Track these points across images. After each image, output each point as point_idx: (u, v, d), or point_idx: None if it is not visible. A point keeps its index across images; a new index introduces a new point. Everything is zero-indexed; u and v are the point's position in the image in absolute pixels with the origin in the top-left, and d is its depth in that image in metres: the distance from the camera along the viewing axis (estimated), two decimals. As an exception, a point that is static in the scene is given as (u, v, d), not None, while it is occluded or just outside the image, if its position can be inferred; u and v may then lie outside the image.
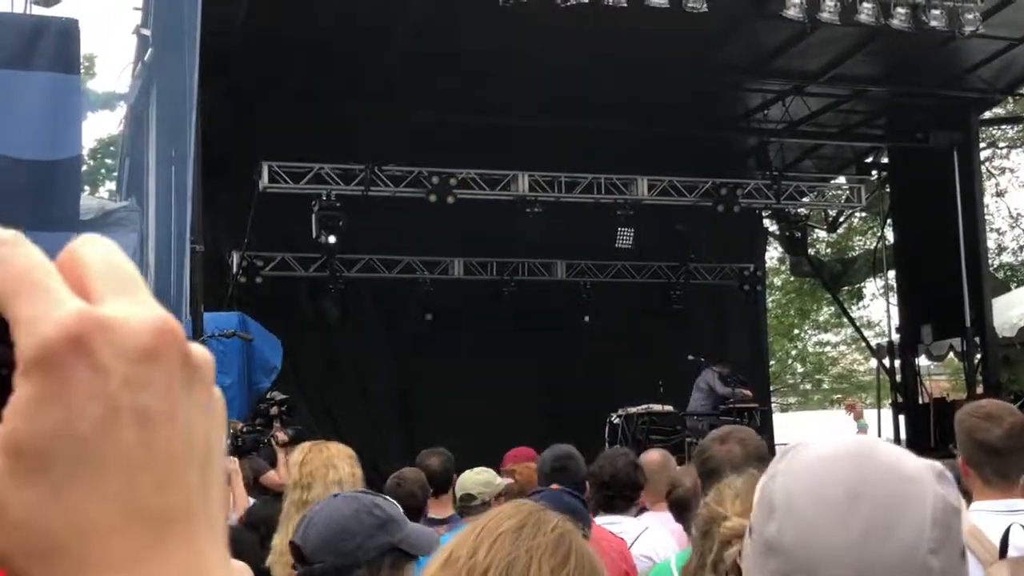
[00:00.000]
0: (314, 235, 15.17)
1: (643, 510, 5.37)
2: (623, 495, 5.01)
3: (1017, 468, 3.37)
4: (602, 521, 4.90)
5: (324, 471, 4.21)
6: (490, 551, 1.45)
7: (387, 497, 2.90)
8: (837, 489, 1.10)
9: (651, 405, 14.73)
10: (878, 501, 1.09)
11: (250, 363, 11.82)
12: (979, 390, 16.01)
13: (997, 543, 3.10)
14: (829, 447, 1.16)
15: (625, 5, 11.94)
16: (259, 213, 15.26)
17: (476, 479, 5.38)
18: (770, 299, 28.97)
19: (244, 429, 9.50)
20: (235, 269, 16.47)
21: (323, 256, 16.78)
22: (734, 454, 3.47)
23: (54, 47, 9.93)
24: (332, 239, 15.19)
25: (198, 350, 0.53)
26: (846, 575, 1.07)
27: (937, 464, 1.16)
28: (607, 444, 13.50)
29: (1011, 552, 3.07)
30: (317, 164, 14.98)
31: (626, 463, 5.13)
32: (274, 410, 10.64)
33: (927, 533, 1.08)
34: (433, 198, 15.23)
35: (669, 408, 14.84)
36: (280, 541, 3.90)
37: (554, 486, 3.81)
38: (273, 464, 9.07)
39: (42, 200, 9.85)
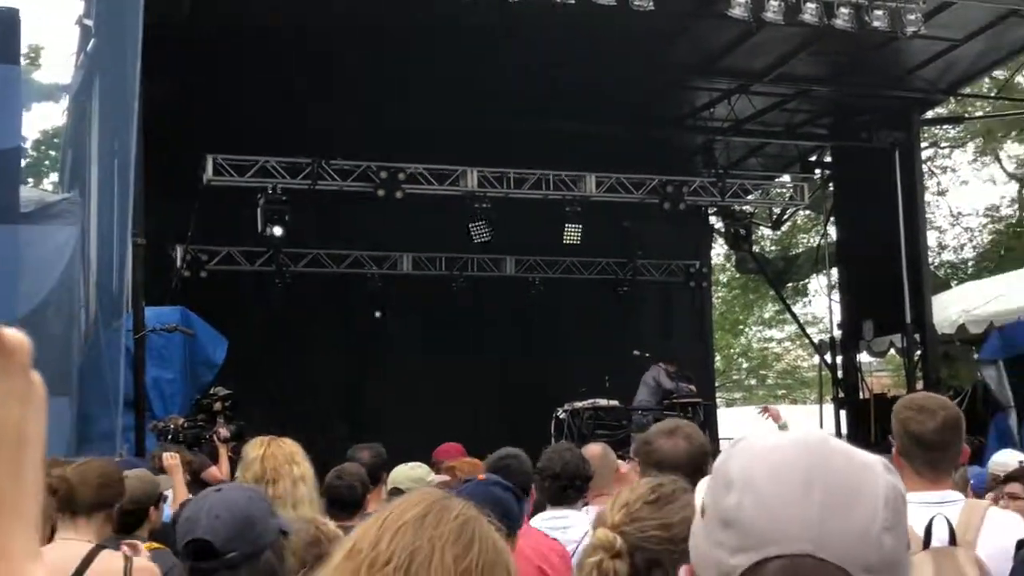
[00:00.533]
0: (260, 229, 15.01)
1: (585, 504, 5.36)
2: (574, 485, 5.00)
3: (947, 461, 3.40)
4: (551, 515, 4.88)
5: (288, 467, 4.20)
6: (392, 541, 1.44)
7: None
8: (794, 468, 1.13)
9: (597, 400, 14.76)
10: (834, 481, 1.12)
11: (192, 358, 11.67)
12: (919, 386, 16.20)
13: (921, 534, 3.12)
14: (783, 436, 1.19)
15: (573, 2, 11.92)
16: (204, 207, 15.08)
17: (408, 474, 5.34)
18: (716, 295, 29.21)
19: (185, 424, 9.39)
20: (179, 263, 16.28)
21: (269, 250, 16.64)
22: (679, 448, 3.46)
23: (-9, 36, 9.73)
24: (278, 233, 15.04)
25: (13, 336, 0.47)
26: (804, 548, 1.09)
27: (883, 458, 1.19)
28: (552, 439, 13.50)
29: (934, 543, 3.09)
30: (263, 157, 14.82)
31: (574, 455, 5.15)
32: (217, 405, 10.54)
33: (880, 513, 1.11)
34: (381, 193, 15.13)
35: (615, 403, 14.87)
36: None
37: (481, 476, 3.76)
38: (214, 460, 8.97)
39: (-21, 191, 9.66)
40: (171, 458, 6.93)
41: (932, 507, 3.22)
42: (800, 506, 1.10)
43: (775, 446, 1.16)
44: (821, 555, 1.09)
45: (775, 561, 1.09)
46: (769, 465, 1.14)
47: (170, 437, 9.08)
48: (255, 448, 4.34)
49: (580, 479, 5.07)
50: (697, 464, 3.44)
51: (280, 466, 4.17)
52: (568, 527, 4.73)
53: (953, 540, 3.12)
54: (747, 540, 1.11)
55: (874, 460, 1.17)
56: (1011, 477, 5.79)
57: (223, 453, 9.03)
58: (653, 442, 3.54)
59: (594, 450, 5.32)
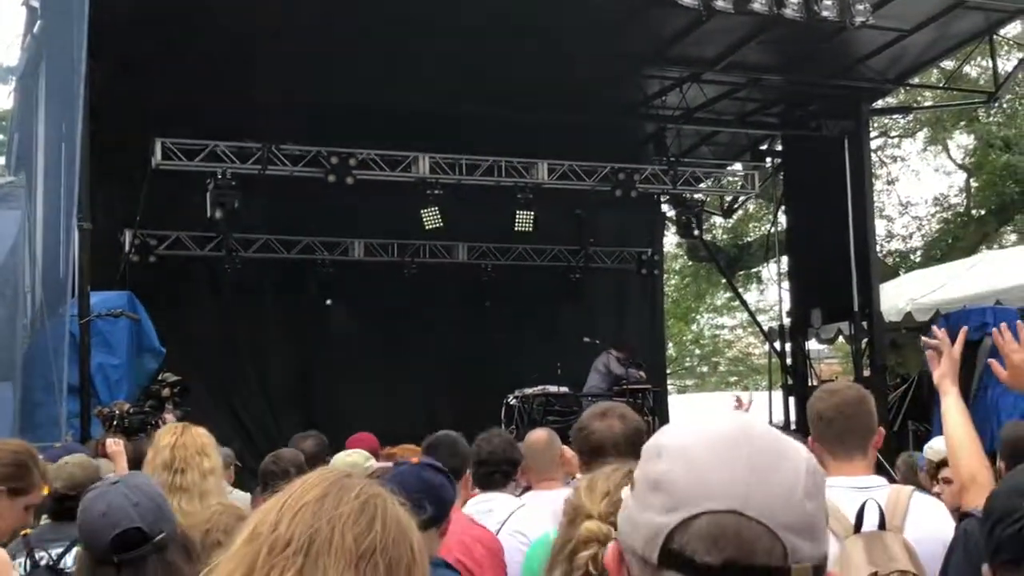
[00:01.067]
0: (209, 214, 14.87)
1: (527, 489, 5.39)
2: (501, 470, 5.02)
3: (855, 437, 3.45)
4: (479, 499, 4.89)
5: (199, 458, 4.16)
6: (291, 524, 1.41)
7: None
8: (722, 435, 1.19)
9: (547, 387, 14.82)
10: (760, 446, 1.18)
11: (139, 343, 11.57)
12: (866, 373, 16.40)
13: (851, 518, 3.16)
14: (711, 416, 1.25)
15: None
16: (152, 191, 14.92)
17: (346, 460, 5.33)
18: (668, 283, 29.37)
19: (131, 410, 9.32)
20: (127, 248, 16.11)
21: (219, 236, 16.51)
22: (615, 429, 3.48)
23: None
24: (227, 218, 14.91)
25: None
26: (732, 505, 1.14)
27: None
28: (503, 425, 13.55)
29: (865, 527, 3.14)
30: (212, 141, 14.68)
31: (502, 440, 5.18)
32: (166, 391, 10.48)
33: (802, 479, 1.17)
34: (332, 178, 15.05)
35: (565, 390, 14.94)
36: None
37: (414, 459, 3.76)
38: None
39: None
40: (115, 444, 6.86)
41: (861, 492, 3.27)
42: (728, 468, 1.16)
43: (704, 420, 1.23)
44: (747, 512, 1.14)
45: (702, 517, 1.14)
46: (698, 433, 1.21)
47: (115, 423, 9.00)
48: (167, 435, 4.32)
49: (507, 463, 5.09)
50: (633, 443, 3.47)
51: (190, 456, 4.15)
52: (492, 510, 4.75)
53: (883, 524, 3.17)
54: (676, 500, 1.16)
55: (793, 441, 1.23)
56: (945, 463, 5.86)
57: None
58: (588, 426, 3.57)
59: (539, 435, 5.34)
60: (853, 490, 3.28)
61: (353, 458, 5.36)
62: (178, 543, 2.51)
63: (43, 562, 4.44)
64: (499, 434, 5.30)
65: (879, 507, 3.17)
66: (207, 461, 4.13)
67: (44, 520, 4.66)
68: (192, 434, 4.26)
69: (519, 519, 4.58)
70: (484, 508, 4.74)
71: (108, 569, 2.48)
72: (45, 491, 4.16)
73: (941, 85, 21.51)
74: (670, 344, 30.46)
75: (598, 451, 3.48)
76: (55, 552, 4.40)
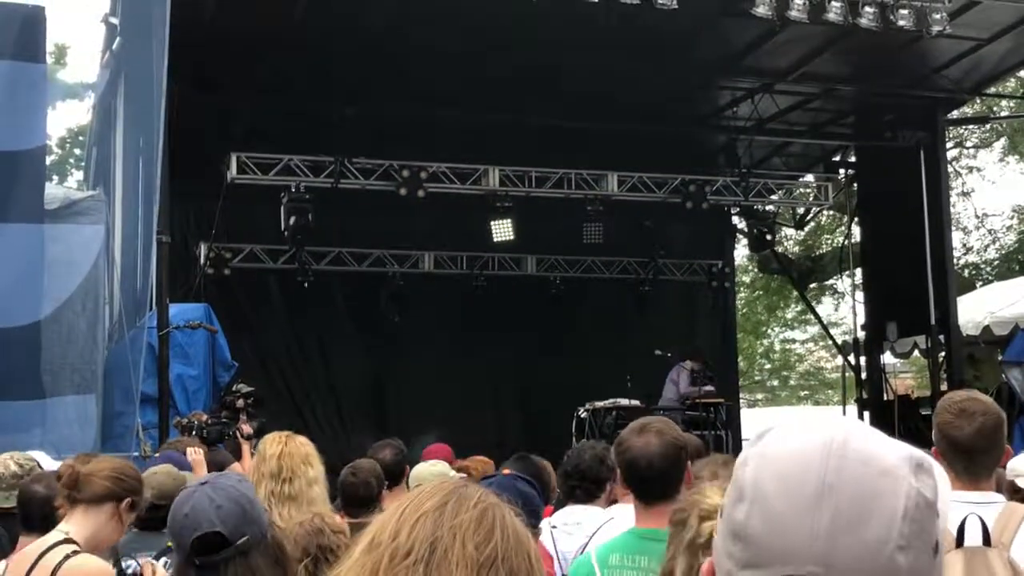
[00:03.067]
0: (282, 227, 15.07)
1: (615, 502, 5.38)
2: (583, 486, 5.03)
3: (986, 465, 3.37)
4: (565, 512, 4.90)
5: (304, 467, 4.23)
6: (412, 533, 1.41)
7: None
8: (806, 479, 1.08)
9: (618, 400, 14.76)
10: (847, 494, 1.06)
11: (214, 355, 11.74)
12: (943, 387, 16.12)
13: (955, 533, 3.11)
14: (802, 435, 1.13)
15: (597, 1, 11.92)
16: (228, 204, 15.16)
17: (431, 471, 5.35)
18: (738, 296, 29.12)
19: (209, 421, 9.43)
20: (202, 260, 16.37)
21: (292, 248, 16.71)
22: (651, 444, 3.48)
23: (17, 35, 9.81)
24: (299, 231, 15.10)
25: None
26: (812, 569, 1.05)
27: (917, 453, 1.12)
28: (574, 438, 13.52)
29: (967, 542, 3.08)
30: (286, 156, 14.88)
31: (592, 456, 5.16)
32: (240, 402, 10.58)
33: (896, 529, 1.06)
34: (403, 191, 15.17)
35: (636, 403, 14.86)
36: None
37: (505, 470, 3.79)
38: (237, 456, 9.02)
39: (6, 192, 9.76)
40: (195, 453, 6.97)
41: (967, 507, 3.20)
42: (808, 522, 1.06)
43: (790, 452, 1.11)
44: None
45: None
46: (779, 475, 1.10)
47: (193, 433, 9.13)
48: (273, 444, 4.37)
49: (590, 481, 5.09)
50: (670, 459, 3.48)
51: (296, 466, 4.20)
52: (580, 522, 4.75)
53: (987, 540, 3.10)
54: (754, 556, 1.09)
55: (898, 463, 1.10)
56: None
57: (246, 450, 9.08)
58: (625, 441, 3.58)
59: None
60: (964, 505, 3.20)
61: (439, 467, 5.39)
62: (265, 547, 2.51)
63: (130, 571, 4.53)
64: (592, 446, 5.29)
65: (982, 522, 3.10)
66: (311, 470, 4.20)
67: (131, 530, 4.75)
68: (297, 443, 4.32)
69: (608, 533, 4.58)
70: (572, 520, 4.74)
71: (190, 571, 2.51)
72: None
73: (1019, 95, 21.12)
74: (740, 357, 30.18)
75: (633, 466, 3.50)
76: (142, 561, 4.49)
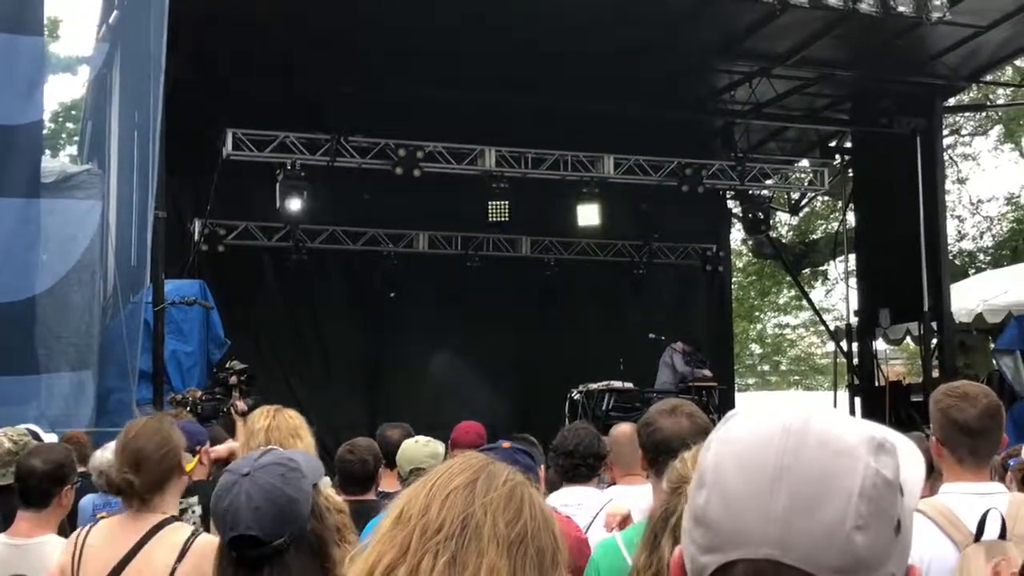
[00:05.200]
0: (277, 204, 15.07)
1: (612, 484, 5.41)
2: (586, 463, 5.06)
3: (988, 449, 3.39)
4: (566, 492, 4.92)
5: (292, 441, 4.20)
6: (443, 508, 1.43)
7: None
8: (764, 462, 1.07)
9: (611, 382, 14.81)
10: (803, 475, 1.06)
11: (208, 332, 11.75)
12: (935, 374, 16.20)
13: (972, 526, 3.11)
14: (762, 418, 1.13)
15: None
16: (223, 181, 15.15)
17: (424, 451, 5.32)
18: (732, 281, 29.15)
19: (203, 397, 9.48)
20: (197, 237, 16.35)
21: (286, 226, 16.70)
22: (683, 427, 3.44)
23: (13, 7, 9.77)
24: (295, 208, 15.10)
25: None
26: (768, 552, 1.05)
27: (880, 434, 1.11)
28: (567, 419, 13.57)
29: (986, 536, 3.08)
30: (282, 132, 14.86)
31: (588, 434, 5.21)
32: (233, 379, 10.61)
33: (853, 508, 1.05)
34: (399, 171, 15.16)
35: (629, 385, 14.91)
36: None
37: (504, 443, 3.78)
38: (231, 433, 9.04)
39: (1, 166, 9.73)
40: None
41: (980, 498, 3.21)
42: (765, 505, 1.06)
43: (749, 435, 1.11)
44: (786, 559, 1.05)
45: (739, 565, 1.07)
46: (738, 458, 1.10)
47: (188, 409, 9.16)
48: (260, 418, 4.36)
49: (592, 457, 5.13)
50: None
51: (284, 439, 4.17)
52: (581, 504, 4.77)
53: (1003, 534, 3.10)
54: (714, 540, 1.09)
55: (857, 443, 1.09)
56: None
57: (240, 427, 9.10)
58: (654, 422, 3.50)
59: (624, 429, 5.33)
60: (973, 496, 3.22)
61: (431, 448, 5.40)
62: (305, 542, 2.50)
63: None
64: (585, 427, 5.33)
65: (1001, 517, 3.10)
66: (300, 443, 4.17)
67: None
68: (285, 416, 4.31)
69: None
70: (573, 502, 4.77)
71: (227, 564, 2.51)
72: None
73: (1016, 83, 21.15)
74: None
75: (664, 446, 3.43)
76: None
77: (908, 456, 1.14)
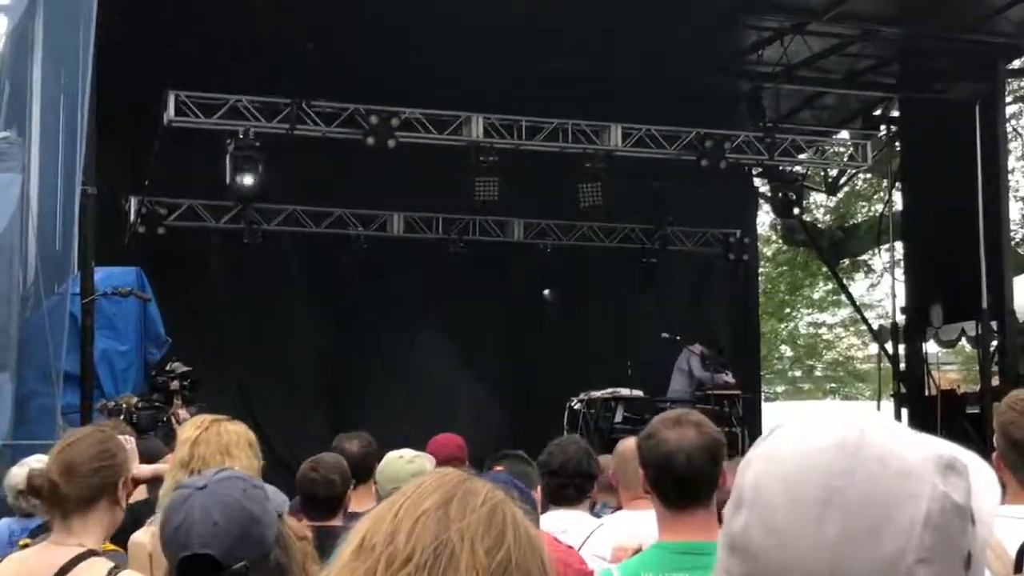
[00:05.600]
0: (228, 180, 15.03)
1: (618, 509, 5.41)
2: (574, 484, 5.09)
3: None
4: (550, 517, 4.93)
5: (220, 459, 4.14)
6: (412, 535, 1.40)
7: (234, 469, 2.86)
8: (813, 483, 1.07)
9: (618, 389, 14.82)
10: (859, 499, 1.06)
11: (145, 328, 11.71)
12: (994, 382, 16.24)
13: (1012, 553, 3.12)
14: (812, 432, 1.13)
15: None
16: (163, 152, 15.12)
17: (409, 468, 5.31)
18: (759, 272, 29.17)
19: (140, 405, 9.45)
20: (133, 217, 16.32)
21: (238, 205, 16.67)
22: (689, 439, 3.41)
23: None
24: (248, 184, 15.06)
25: None
26: None
27: (949, 452, 1.10)
28: (565, 432, 13.58)
29: None
30: (233, 96, 14.83)
31: (577, 450, 5.23)
32: (174, 384, 10.60)
33: (916, 538, 1.05)
34: (371, 141, 15.14)
35: (639, 393, 14.93)
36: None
37: (497, 467, 3.80)
38: (171, 446, 9.02)
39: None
40: (127, 442, 6.96)
41: None
42: (814, 529, 1.06)
43: (797, 452, 1.11)
44: None
45: None
46: (783, 478, 1.10)
47: (122, 418, 9.15)
48: (189, 428, 4.31)
49: (581, 477, 5.16)
50: (714, 457, 3.44)
51: (210, 456, 4.11)
52: (567, 530, 4.77)
53: None
54: (753, 571, 1.09)
55: (922, 462, 1.09)
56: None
57: (182, 439, 9.09)
58: (657, 434, 3.48)
59: (631, 445, 5.30)
60: (1020, 520, 3.23)
61: (418, 463, 5.38)
62: (269, 568, 2.49)
63: None
64: (575, 442, 5.34)
65: None
66: (228, 461, 4.10)
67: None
68: (219, 430, 4.24)
69: (600, 540, 4.60)
70: (557, 528, 4.77)
71: None
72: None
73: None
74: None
75: (666, 465, 3.41)
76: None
77: (981, 478, 1.13)
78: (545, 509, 5.17)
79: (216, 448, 4.18)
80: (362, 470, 5.78)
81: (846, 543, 1.04)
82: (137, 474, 5.75)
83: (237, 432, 4.32)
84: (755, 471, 1.13)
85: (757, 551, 1.08)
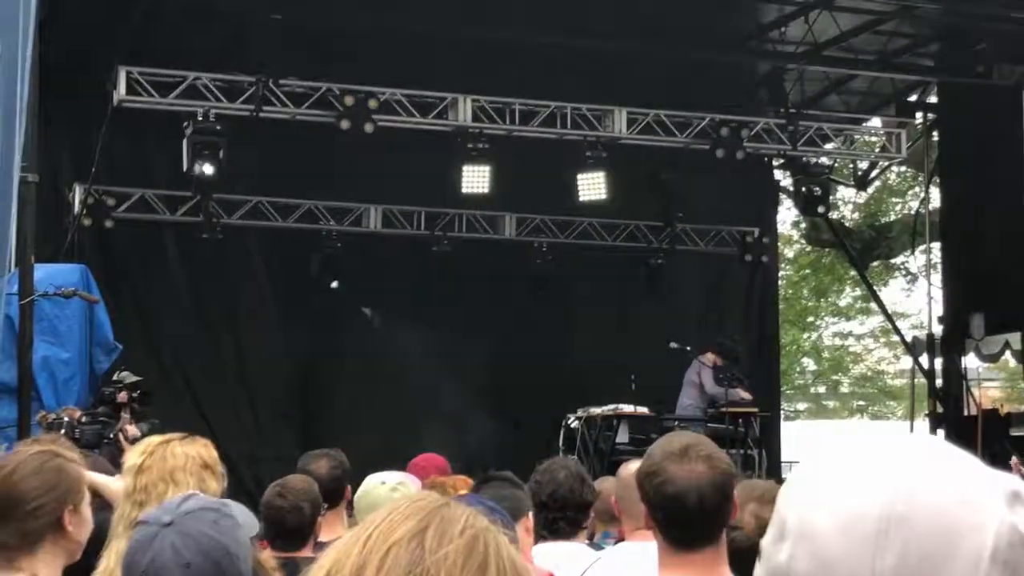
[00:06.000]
0: (185, 167, 15.03)
1: (620, 540, 5.41)
2: (566, 516, 5.08)
3: None
4: (540, 551, 4.91)
5: (163, 487, 4.05)
6: (382, 567, 1.39)
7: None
8: (867, 511, 1.09)
9: (620, 405, 14.83)
10: (919, 528, 1.07)
11: (92, 333, 11.69)
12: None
13: None
14: (863, 455, 1.14)
15: None
16: (113, 135, 15.10)
17: (391, 496, 5.29)
18: (780, 275, 29.23)
19: (84, 419, 9.43)
20: (78, 208, 16.30)
21: (196, 196, 16.65)
22: (699, 476, 3.33)
23: None
24: (208, 172, 15.04)
25: None
26: None
27: (1011, 483, 1.11)
28: (562, 453, 13.60)
29: None
30: (192, 72, 14.83)
31: (568, 476, 5.18)
32: (122, 396, 10.56)
33: (983, 572, 1.06)
34: (346, 124, 15.14)
35: (644, 410, 14.94)
36: (110, 562, 3.81)
37: (463, 491, 3.78)
38: (118, 466, 9.01)
39: None
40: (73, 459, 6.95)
41: None
42: (868, 564, 1.07)
43: (846, 475, 1.12)
44: None
45: None
46: (833, 505, 1.10)
47: (63, 433, 9.13)
48: (136, 454, 4.23)
49: (573, 508, 5.12)
50: (727, 493, 3.37)
51: (152, 484, 4.02)
52: (559, 565, 4.76)
53: None
54: None
55: (987, 490, 1.10)
56: None
57: (131, 458, 9.08)
58: (662, 471, 3.38)
59: (632, 470, 5.32)
60: None
61: (404, 489, 5.36)
62: None
63: None
64: (565, 466, 5.28)
65: None
66: (173, 489, 4.01)
67: None
68: (165, 453, 4.14)
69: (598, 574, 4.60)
70: (549, 564, 4.76)
71: None
72: None
73: None
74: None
75: (679, 503, 3.32)
76: None
77: None
78: (538, 540, 5.16)
79: (159, 475, 4.09)
80: (332, 494, 5.76)
81: (905, 575, 1.05)
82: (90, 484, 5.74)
83: (187, 454, 4.21)
84: (799, 503, 1.13)
85: None
